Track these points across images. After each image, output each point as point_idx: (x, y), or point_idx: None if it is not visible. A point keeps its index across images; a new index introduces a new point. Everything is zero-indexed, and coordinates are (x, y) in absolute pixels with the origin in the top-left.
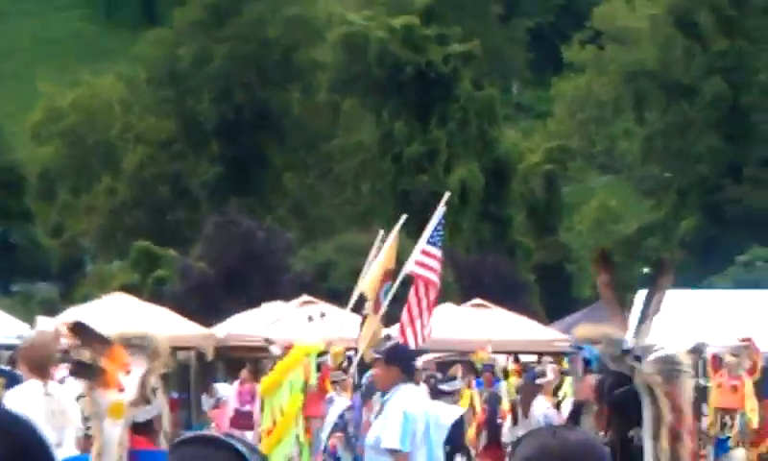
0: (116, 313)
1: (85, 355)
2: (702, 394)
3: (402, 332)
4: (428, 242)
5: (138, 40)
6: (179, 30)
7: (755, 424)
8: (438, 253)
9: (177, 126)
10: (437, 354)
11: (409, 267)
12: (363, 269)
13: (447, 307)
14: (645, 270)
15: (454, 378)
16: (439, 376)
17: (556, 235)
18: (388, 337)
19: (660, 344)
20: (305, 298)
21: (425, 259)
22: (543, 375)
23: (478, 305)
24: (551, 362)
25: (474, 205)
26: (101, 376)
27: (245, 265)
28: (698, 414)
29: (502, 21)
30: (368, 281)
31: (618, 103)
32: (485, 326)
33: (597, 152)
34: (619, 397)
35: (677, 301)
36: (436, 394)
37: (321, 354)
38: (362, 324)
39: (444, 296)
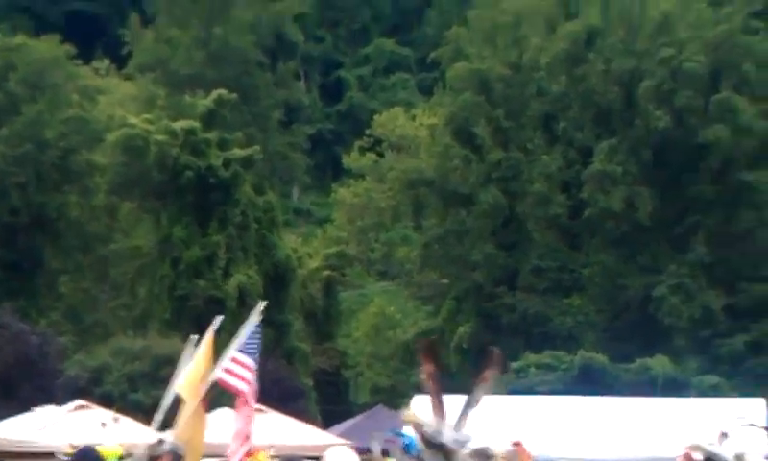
0: None
1: None
2: None
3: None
4: (240, 351)
5: None
6: None
7: None
8: (250, 363)
9: None
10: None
11: (216, 374)
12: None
13: (225, 412)
14: (421, 376)
15: None
16: None
17: (334, 341)
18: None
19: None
20: (79, 402)
21: (235, 368)
22: None
23: (256, 410)
24: None
25: (252, 310)
26: None
27: (17, 369)
28: None
29: (283, 127)
30: (185, 384)
31: (397, 210)
32: (263, 430)
33: (375, 258)
34: None
35: (452, 406)
36: None
37: (121, 458)
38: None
39: (220, 402)
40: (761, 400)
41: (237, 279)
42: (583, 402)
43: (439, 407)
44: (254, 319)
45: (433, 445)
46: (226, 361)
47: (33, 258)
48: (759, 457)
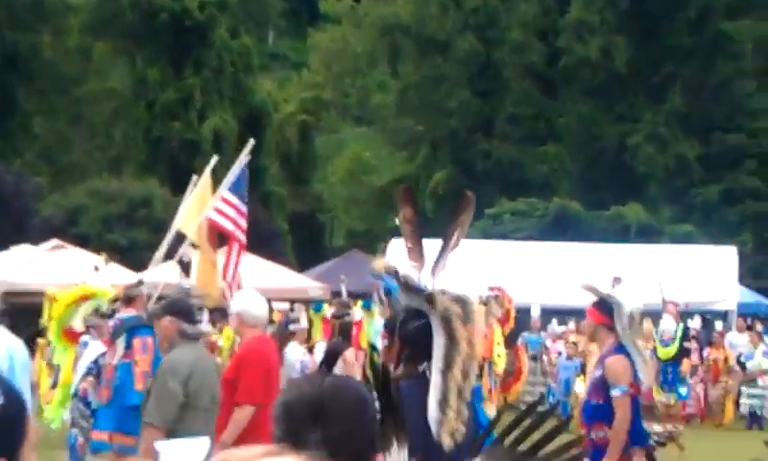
0: None
1: None
2: None
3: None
4: (230, 190)
5: None
6: None
7: (499, 369)
8: (239, 203)
9: None
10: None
11: (208, 214)
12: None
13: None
14: (397, 221)
15: (200, 322)
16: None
17: (309, 186)
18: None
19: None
20: (55, 242)
21: (225, 208)
22: (297, 321)
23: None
24: (303, 309)
25: (228, 153)
26: None
27: None
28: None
29: None
30: (187, 224)
31: (373, 55)
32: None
33: (351, 103)
34: (412, 330)
35: (430, 251)
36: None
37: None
38: (184, 268)
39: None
40: (733, 248)
41: (213, 122)
42: (557, 248)
43: (417, 253)
44: (243, 159)
45: (412, 289)
46: (216, 201)
47: (6, 99)
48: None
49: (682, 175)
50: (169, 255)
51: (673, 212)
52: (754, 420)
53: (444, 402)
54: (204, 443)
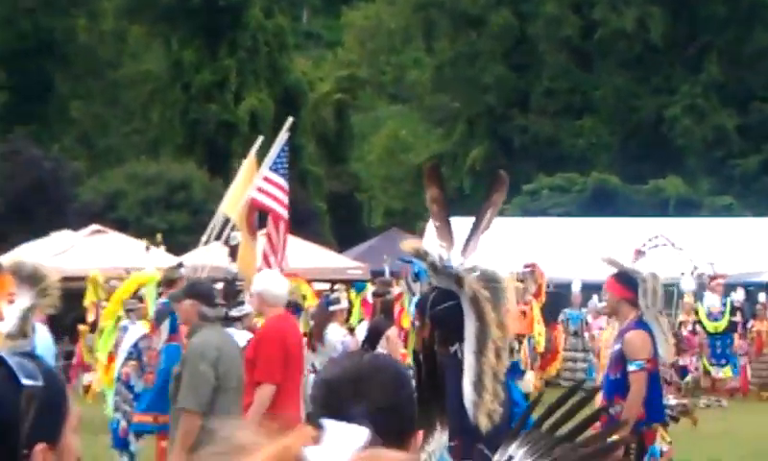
0: None
1: None
2: None
3: (266, 261)
4: (271, 169)
5: None
6: None
7: (541, 347)
8: (281, 181)
9: None
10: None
11: (251, 194)
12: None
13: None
14: (428, 201)
15: (242, 303)
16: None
17: (347, 165)
18: (180, 265)
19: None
20: (94, 227)
21: (268, 187)
22: (337, 301)
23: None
24: (344, 289)
25: (265, 134)
26: None
27: (31, 195)
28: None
29: None
30: (232, 206)
31: (408, 32)
32: None
33: (387, 81)
34: (443, 312)
35: (467, 228)
36: (226, 321)
37: (159, 284)
38: (231, 252)
39: (234, 226)
40: None
41: (249, 102)
42: (596, 224)
43: (445, 232)
44: (283, 136)
45: (441, 271)
46: (259, 180)
47: (43, 84)
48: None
49: (720, 146)
50: (217, 239)
51: (712, 184)
52: None
53: (479, 384)
54: (361, 433)
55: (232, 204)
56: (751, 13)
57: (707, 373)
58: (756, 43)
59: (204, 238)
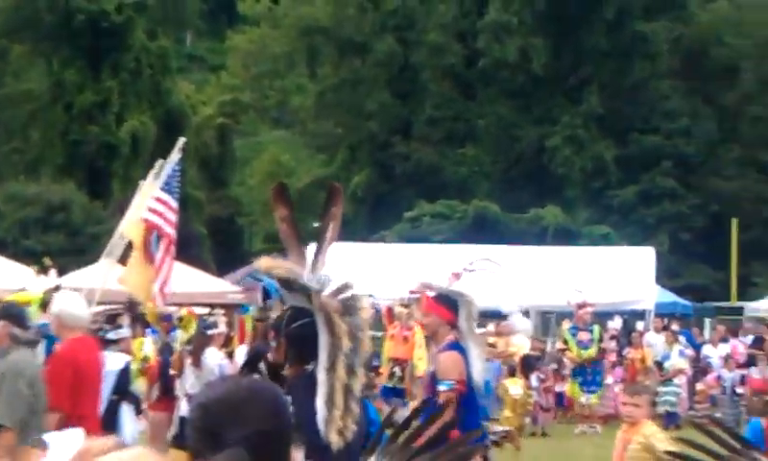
0: None
1: None
2: (376, 344)
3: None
4: (163, 189)
5: None
6: None
7: (420, 371)
8: (172, 202)
9: None
10: (107, 307)
11: (142, 214)
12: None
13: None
14: (316, 224)
15: (121, 327)
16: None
17: (228, 189)
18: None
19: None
20: None
21: (159, 207)
22: (215, 326)
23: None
24: (222, 314)
25: (145, 157)
26: None
27: None
28: (369, 365)
29: None
30: (131, 228)
31: (291, 57)
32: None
33: (270, 106)
34: (297, 329)
35: (348, 254)
36: (103, 344)
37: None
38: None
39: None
40: (650, 249)
41: (130, 124)
42: (476, 250)
43: (296, 250)
44: (175, 156)
45: (293, 288)
46: (150, 201)
47: None
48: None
49: (599, 176)
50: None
51: (590, 214)
52: (670, 419)
53: (329, 401)
54: (78, 434)
55: (131, 225)
56: (630, 47)
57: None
58: (634, 76)
59: (101, 261)
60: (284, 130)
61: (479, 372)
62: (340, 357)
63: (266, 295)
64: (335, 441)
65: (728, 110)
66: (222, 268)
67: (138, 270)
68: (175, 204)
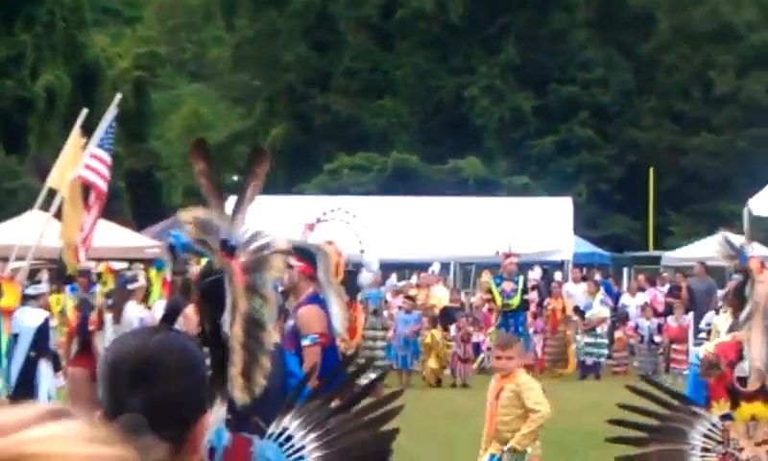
0: None
1: None
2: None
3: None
4: (98, 146)
5: None
6: None
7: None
8: (107, 157)
9: None
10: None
11: (78, 171)
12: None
13: (36, 214)
14: (235, 178)
15: (39, 282)
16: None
17: (146, 143)
18: None
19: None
20: None
21: (94, 163)
22: (135, 280)
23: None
24: (142, 268)
25: (61, 110)
26: None
27: None
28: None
29: None
30: (59, 179)
31: (208, 9)
32: None
33: (187, 59)
34: (207, 285)
35: (267, 206)
36: (22, 299)
37: None
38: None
39: (31, 206)
40: (568, 199)
41: (45, 79)
42: (396, 202)
43: (217, 205)
44: (111, 112)
45: (205, 243)
46: (86, 157)
47: None
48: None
49: (517, 127)
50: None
51: (509, 164)
52: (590, 369)
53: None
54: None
55: (59, 177)
56: None
57: None
58: (552, 26)
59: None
60: (202, 83)
61: (340, 323)
62: (237, 315)
63: (170, 248)
64: (239, 398)
65: (643, 60)
66: (141, 222)
67: (68, 220)
68: (109, 159)
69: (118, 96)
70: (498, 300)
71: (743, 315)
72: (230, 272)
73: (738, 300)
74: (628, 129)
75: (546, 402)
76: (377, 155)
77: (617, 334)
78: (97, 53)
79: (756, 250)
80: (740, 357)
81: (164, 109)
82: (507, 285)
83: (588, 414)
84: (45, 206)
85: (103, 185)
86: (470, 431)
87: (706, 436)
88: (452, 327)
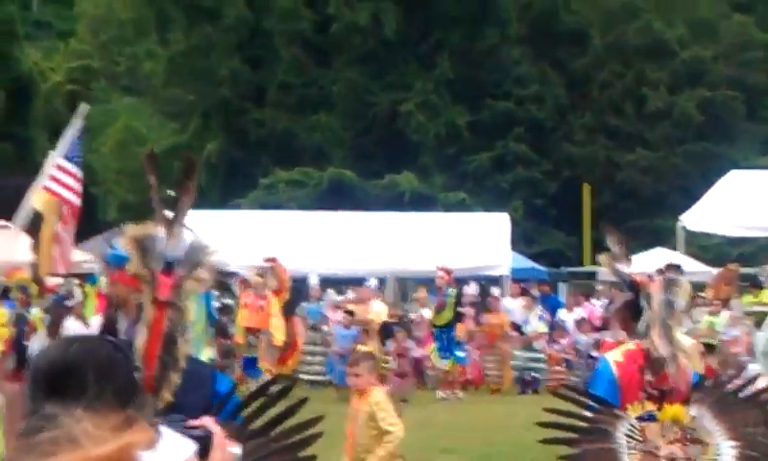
0: None
1: None
2: (229, 312)
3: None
4: (67, 158)
5: None
6: None
7: (278, 341)
8: (75, 170)
9: None
10: None
11: (43, 182)
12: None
13: None
14: (171, 192)
15: None
16: None
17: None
18: None
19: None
20: None
21: (60, 175)
22: (72, 296)
23: (2, 227)
24: (77, 284)
25: None
26: None
27: None
28: (226, 333)
29: None
30: (39, 198)
31: (141, 24)
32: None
33: (121, 73)
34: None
35: (202, 221)
36: None
37: None
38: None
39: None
40: (505, 215)
41: None
42: (332, 217)
43: (163, 220)
44: (76, 124)
45: (147, 258)
46: (51, 169)
47: None
48: None
49: (453, 142)
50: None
51: (446, 180)
52: (529, 384)
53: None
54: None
55: (39, 196)
56: (481, 12)
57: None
58: (486, 41)
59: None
60: (136, 97)
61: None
62: (142, 326)
63: (108, 262)
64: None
65: (577, 76)
66: (76, 237)
67: (47, 241)
68: (78, 171)
69: (84, 106)
70: (432, 315)
71: (641, 324)
72: (154, 287)
73: (632, 313)
74: (563, 144)
75: (400, 423)
76: (313, 169)
77: (553, 349)
78: (30, 67)
79: (689, 265)
80: (649, 362)
81: (98, 123)
82: (440, 300)
83: (528, 430)
84: None
85: (75, 200)
86: (405, 444)
87: (627, 436)
88: (388, 342)
